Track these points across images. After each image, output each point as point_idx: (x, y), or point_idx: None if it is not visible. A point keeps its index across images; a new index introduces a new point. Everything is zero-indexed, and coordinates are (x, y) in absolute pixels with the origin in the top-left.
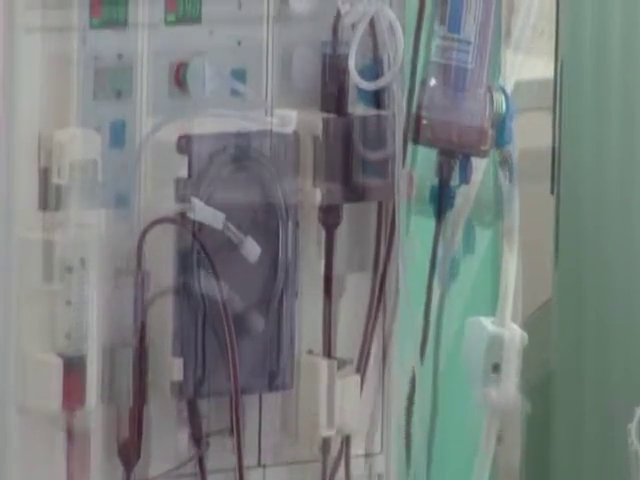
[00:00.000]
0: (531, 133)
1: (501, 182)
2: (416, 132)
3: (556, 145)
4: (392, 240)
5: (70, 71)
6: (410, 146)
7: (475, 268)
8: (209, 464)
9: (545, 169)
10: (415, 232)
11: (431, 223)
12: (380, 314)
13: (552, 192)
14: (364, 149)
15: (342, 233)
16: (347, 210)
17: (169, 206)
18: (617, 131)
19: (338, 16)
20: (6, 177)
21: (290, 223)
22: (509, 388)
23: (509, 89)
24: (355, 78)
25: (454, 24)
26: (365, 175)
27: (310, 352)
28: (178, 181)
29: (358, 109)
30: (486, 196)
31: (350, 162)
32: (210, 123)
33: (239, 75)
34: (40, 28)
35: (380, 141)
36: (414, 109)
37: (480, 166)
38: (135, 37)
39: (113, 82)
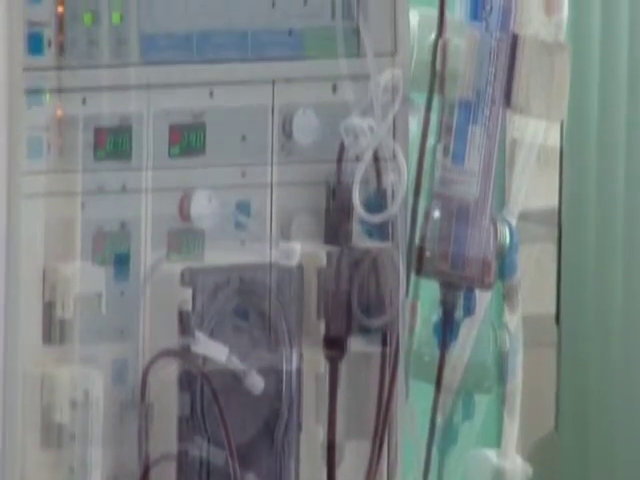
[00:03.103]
0: (534, 298)
1: (501, 346)
2: (419, 264)
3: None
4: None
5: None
6: (413, 277)
7: (474, 434)
8: None
9: (549, 335)
10: (415, 397)
11: (431, 388)
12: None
13: (557, 322)
14: (368, 280)
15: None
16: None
17: (173, 339)
18: (620, 268)
19: (342, 148)
20: (10, 311)
21: (294, 355)
22: None
23: (513, 220)
24: (359, 211)
25: (458, 155)
26: (368, 308)
27: None
28: (182, 314)
29: (362, 240)
30: (485, 361)
31: (354, 294)
32: (214, 255)
33: (243, 208)
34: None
35: (383, 272)
36: (417, 241)
37: (484, 298)
38: (139, 170)
39: (119, 212)
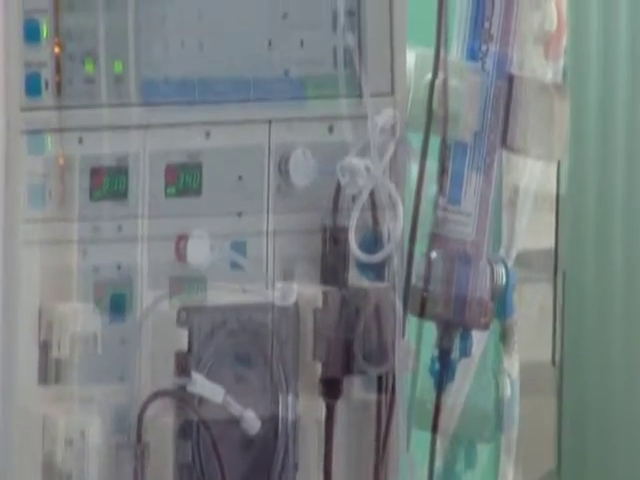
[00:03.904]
0: (534, 343)
1: (502, 393)
2: (418, 305)
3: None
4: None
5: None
6: (414, 321)
7: None
8: None
9: (547, 382)
10: (415, 444)
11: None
12: None
13: (553, 363)
14: (364, 322)
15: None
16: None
17: (169, 379)
18: (620, 310)
19: (338, 188)
20: (6, 351)
21: (290, 396)
22: None
23: (510, 261)
24: (355, 251)
25: (454, 196)
26: (366, 348)
27: None
28: (178, 354)
29: (358, 281)
30: (486, 409)
31: (351, 335)
32: (210, 295)
33: (239, 247)
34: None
35: (380, 314)
36: (415, 281)
37: (481, 338)
38: (136, 210)
39: (116, 254)
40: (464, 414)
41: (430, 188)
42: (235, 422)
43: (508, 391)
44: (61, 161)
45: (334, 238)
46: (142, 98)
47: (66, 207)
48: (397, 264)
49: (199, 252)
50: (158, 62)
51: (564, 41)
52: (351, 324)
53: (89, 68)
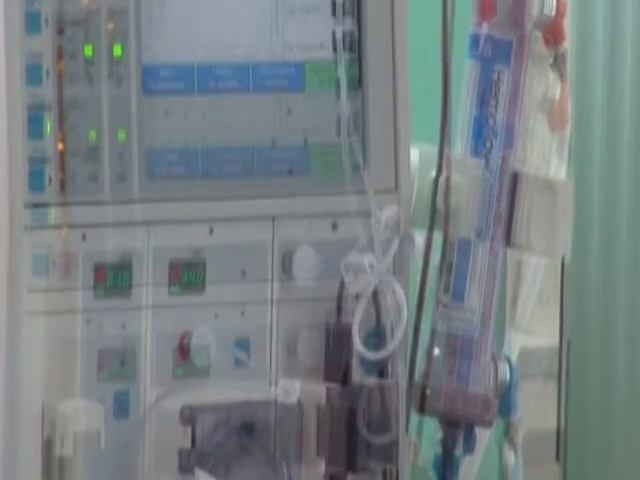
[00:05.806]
0: (537, 412)
1: (506, 460)
2: (420, 402)
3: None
4: None
5: (74, 350)
6: (414, 414)
7: None
8: None
9: (550, 451)
10: None
11: None
12: None
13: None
14: (367, 418)
15: None
16: None
17: (173, 475)
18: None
19: (342, 286)
20: (9, 448)
21: None
22: None
23: (513, 358)
24: (359, 349)
25: (458, 293)
26: (369, 444)
27: None
28: (181, 452)
29: (361, 378)
30: (490, 476)
31: (353, 431)
32: (214, 393)
33: (243, 344)
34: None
35: (383, 411)
36: (418, 378)
37: (484, 435)
38: (139, 314)
39: (117, 357)
40: None
41: (434, 282)
42: None
43: (512, 460)
44: (64, 233)
45: (338, 334)
46: (147, 174)
47: (70, 278)
48: (400, 360)
49: (202, 349)
50: (163, 138)
51: (568, 109)
52: (354, 421)
53: (92, 138)
